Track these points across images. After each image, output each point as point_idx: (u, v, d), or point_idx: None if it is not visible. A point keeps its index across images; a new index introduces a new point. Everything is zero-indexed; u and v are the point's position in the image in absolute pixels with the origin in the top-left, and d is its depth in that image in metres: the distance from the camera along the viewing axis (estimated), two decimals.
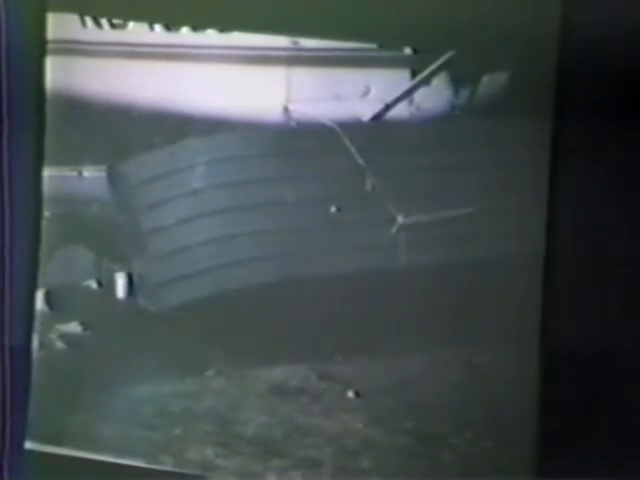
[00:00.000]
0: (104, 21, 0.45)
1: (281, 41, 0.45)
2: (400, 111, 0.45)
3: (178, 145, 0.45)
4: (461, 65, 0.44)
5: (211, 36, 0.45)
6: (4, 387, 0.47)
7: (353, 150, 0.45)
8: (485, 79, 0.44)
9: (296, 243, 0.46)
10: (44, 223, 0.46)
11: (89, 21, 0.45)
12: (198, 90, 0.45)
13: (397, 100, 0.45)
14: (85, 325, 0.46)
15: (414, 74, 0.45)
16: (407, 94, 0.45)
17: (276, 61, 0.45)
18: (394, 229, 0.45)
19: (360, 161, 0.45)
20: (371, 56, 0.44)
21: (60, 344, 0.46)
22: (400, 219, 0.45)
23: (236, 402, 0.46)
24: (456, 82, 0.44)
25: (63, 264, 0.46)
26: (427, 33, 0.44)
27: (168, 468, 0.46)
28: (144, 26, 0.45)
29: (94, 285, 0.46)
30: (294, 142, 0.45)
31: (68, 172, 0.46)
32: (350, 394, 0.46)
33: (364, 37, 0.44)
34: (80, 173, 0.46)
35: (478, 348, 0.45)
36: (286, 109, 0.45)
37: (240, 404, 0.46)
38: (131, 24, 0.45)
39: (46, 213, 0.46)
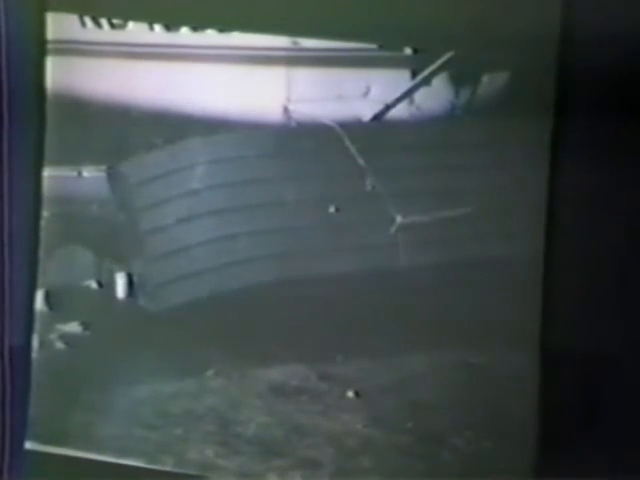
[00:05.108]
0: (104, 21, 0.45)
1: (281, 41, 0.45)
2: (400, 111, 0.45)
3: (178, 145, 0.45)
4: (461, 65, 0.44)
5: (211, 36, 0.45)
6: (4, 387, 0.47)
7: (353, 150, 0.45)
8: (485, 79, 0.44)
9: (296, 243, 0.46)
10: (44, 223, 0.46)
11: (89, 21, 0.45)
12: (198, 90, 0.45)
13: (397, 100, 0.45)
14: (85, 325, 0.46)
15: (414, 74, 0.45)
16: (407, 94, 0.45)
17: (276, 61, 0.45)
18: (393, 229, 0.45)
19: (360, 161, 0.45)
20: (371, 56, 0.44)
21: (60, 344, 0.46)
22: (399, 219, 0.45)
23: (236, 402, 0.46)
24: (456, 82, 0.44)
25: (63, 264, 0.46)
26: (427, 33, 0.44)
27: (168, 468, 0.46)
28: (144, 26, 0.45)
29: (94, 285, 0.46)
30: (294, 142, 0.45)
31: (68, 172, 0.46)
32: (350, 394, 0.46)
33: (364, 37, 0.44)
34: (80, 173, 0.46)
35: (478, 348, 0.45)
36: (286, 109, 0.45)
37: (240, 404, 0.46)
38: (131, 24, 0.45)
39: (46, 213, 0.46)
